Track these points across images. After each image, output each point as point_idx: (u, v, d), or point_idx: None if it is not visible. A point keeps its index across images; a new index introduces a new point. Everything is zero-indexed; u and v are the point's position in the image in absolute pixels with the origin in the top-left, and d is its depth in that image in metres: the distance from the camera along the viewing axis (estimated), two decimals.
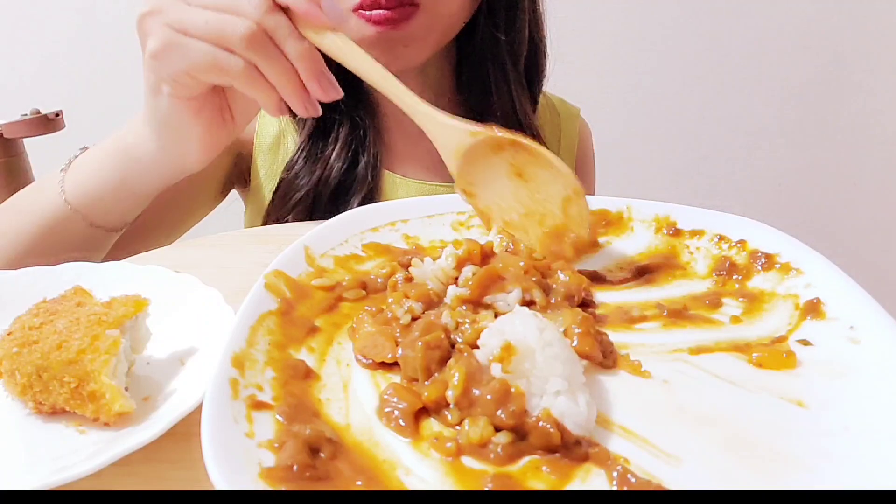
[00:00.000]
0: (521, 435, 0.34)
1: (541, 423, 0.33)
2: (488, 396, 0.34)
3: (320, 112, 0.53)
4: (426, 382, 0.37)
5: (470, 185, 0.52)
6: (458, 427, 0.35)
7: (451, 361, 0.37)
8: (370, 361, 0.40)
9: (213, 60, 0.49)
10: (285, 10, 0.49)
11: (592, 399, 0.35)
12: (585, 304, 0.46)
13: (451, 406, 0.35)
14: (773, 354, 0.40)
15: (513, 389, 0.35)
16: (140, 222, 0.77)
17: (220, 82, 0.52)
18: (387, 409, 0.35)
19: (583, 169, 0.97)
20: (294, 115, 0.53)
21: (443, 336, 0.39)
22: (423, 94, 0.83)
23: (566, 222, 0.50)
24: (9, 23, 1.61)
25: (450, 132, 0.50)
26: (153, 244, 0.73)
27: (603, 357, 0.39)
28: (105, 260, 0.55)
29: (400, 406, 0.35)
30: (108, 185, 0.62)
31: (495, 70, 0.79)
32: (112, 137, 0.63)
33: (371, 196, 0.78)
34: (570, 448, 0.33)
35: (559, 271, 0.46)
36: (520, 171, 0.50)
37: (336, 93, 0.52)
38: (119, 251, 0.67)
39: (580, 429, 0.34)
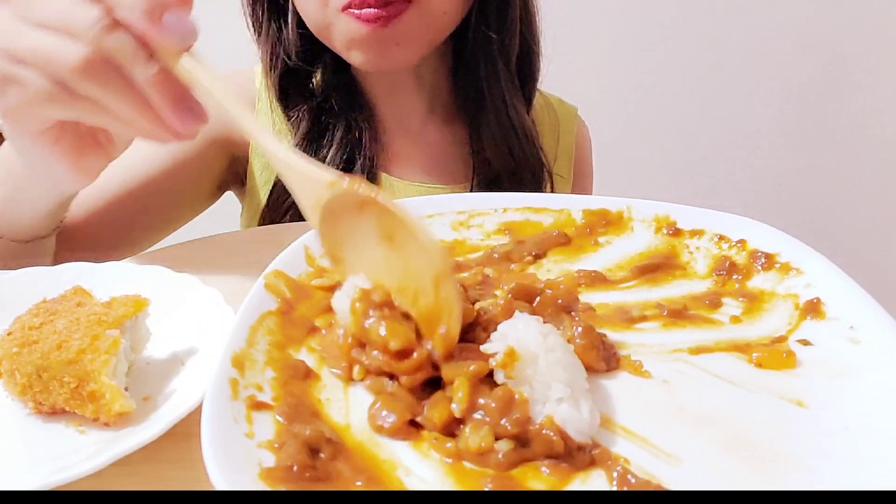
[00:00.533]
0: (523, 442, 0.33)
1: (544, 431, 0.33)
2: (493, 404, 0.34)
3: (192, 138, 0.44)
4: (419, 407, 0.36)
5: (335, 248, 0.42)
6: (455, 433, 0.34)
7: (450, 371, 0.36)
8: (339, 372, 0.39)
9: (48, 95, 0.42)
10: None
11: (595, 405, 0.35)
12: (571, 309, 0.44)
13: (461, 424, 0.34)
14: (773, 354, 0.40)
15: (516, 396, 0.34)
16: (125, 215, 0.76)
17: (64, 118, 0.45)
18: (378, 423, 0.35)
19: (581, 169, 0.97)
20: None
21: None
22: (419, 94, 0.84)
23: (438, 305, 0.38)
24: None
25: (306, 182, 0.41)
26: (139, 239, 0.73)
27: (606, 366, 0.39)
28: (103, 260, 0.54)
29: (389, 420, 0.34)
30: (2, 199, 0.59)
31: (487, 69, 0.79)
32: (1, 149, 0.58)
33: None
34: (573, 455, 0.33)
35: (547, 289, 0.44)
36: (390, 235, 0.40)
37: (198, 122, 0.43)
38: (108, 250, 0.66)
39: (583, 436, 0.33)
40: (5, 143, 0.53)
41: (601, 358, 0.39)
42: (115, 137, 0.51)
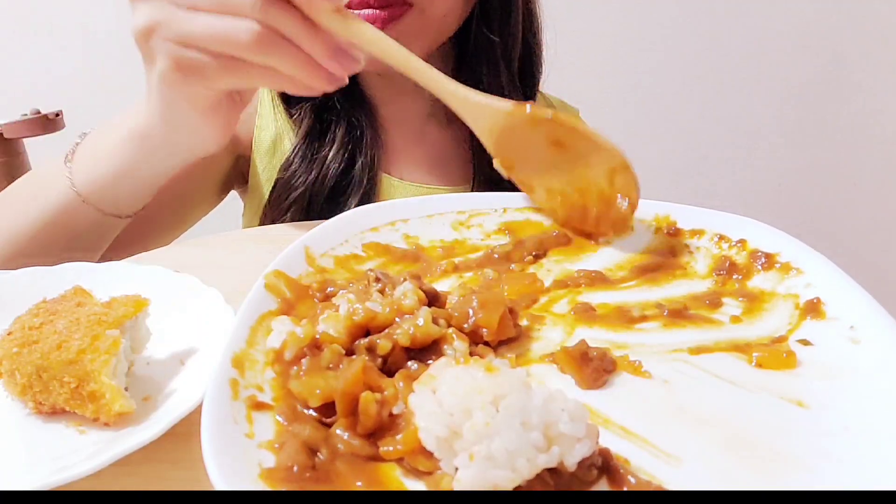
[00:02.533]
0: None
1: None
2: None
3: (346, 82, 0.51)
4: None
5: (507, 159, 0.52)
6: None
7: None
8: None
9: (229, 71, 0.48)
10: None
11: (581, 421, 0.31)
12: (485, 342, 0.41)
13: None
14: (773, 354, 0.40)
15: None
16: (138, 221, 0.78)
17: (236, 87, 0.52)
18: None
19: None
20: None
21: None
22: (420, 95, 0.84)
23: (613, 191, 0.51)
24: (9, 23, 1.61)
25: (482, 111, 0.50)
26: (152, 243, 0.74)
27: (606, 373, 0.39)
28: (104, 260, 0.54)
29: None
30: (122, 170, 0.61)
31: (489, 72, 0.79)
32: (117, 123, 0.61)
33: (368, 198, 0.78)
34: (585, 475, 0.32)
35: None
36: (559, 141, 0.50)
37: (356, 64, 0.50)
38: (119, 251, 0.66)
39: (588, 452, 0.31)
40: (135, 118, 0.57)
41: (590, 378, 0.38)
42: (245, 94, 0.57)
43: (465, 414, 0.30)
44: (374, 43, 0.49)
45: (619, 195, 0.51)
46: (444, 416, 0.30)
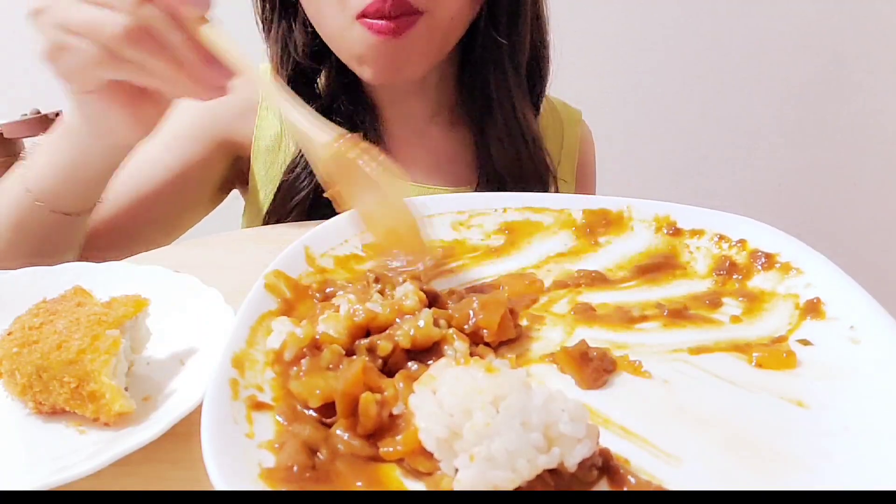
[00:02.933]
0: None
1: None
2: None
3: (226, 91, 0.51)
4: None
5: (336, 192, 0.48)
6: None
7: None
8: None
9: (100, 59, 0.49)
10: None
11: (581, 422, 0.31)
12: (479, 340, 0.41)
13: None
14: (773, 354, 0.40)
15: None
16: (136, 222, 0.78)
17: (112, 78, 0.52)
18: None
19: (583, 174, 0.97)
20: None
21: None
22: (424, 98, 0.84)
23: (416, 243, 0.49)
24: (9, 23, 1.61)
25: (308, 141, 0.48)
26: (151, 244, 0.74)
27: (606, 373, 0.39)
28: (104, 261, 0.55)
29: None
30: (61, 166, 0.63)
31: (496, 75, 0.79)
32: (62, 120, 0.64)
33: None
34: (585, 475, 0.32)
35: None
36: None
37: (227, 76, 0.50)
38: (119, 252, 0.67)
39: (589, 452, 0.31)
40: (66, 112, 0.60)
41: (591, 377, 0.38)
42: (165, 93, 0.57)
43: (465, 414, 0.30)
44: (223, 52, 0.49)
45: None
46: (445, 416, 0.30)
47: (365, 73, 0.72)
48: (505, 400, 0.30)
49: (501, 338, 0.41)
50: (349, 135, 0.47)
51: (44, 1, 0.51)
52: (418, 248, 0.49)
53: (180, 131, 0.80)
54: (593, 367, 0.38)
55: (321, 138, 0.47)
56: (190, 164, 0.80)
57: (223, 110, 0.83)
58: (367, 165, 0.46)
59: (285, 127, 0.51)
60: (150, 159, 0.77)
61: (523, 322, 0.44)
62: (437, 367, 0.34)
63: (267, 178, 0.83)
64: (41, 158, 0.64)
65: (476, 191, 0.83)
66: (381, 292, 0.42)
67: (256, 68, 0.49)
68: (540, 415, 0.30)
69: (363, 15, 0.67)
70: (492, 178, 0.82)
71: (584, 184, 0.97)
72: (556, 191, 0.86)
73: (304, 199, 0.77)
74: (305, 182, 0.77)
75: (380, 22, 0.67)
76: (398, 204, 0.48)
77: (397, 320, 0.39)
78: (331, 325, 0.38)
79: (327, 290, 0.45)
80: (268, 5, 0.80)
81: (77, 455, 0.34)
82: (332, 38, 0.73)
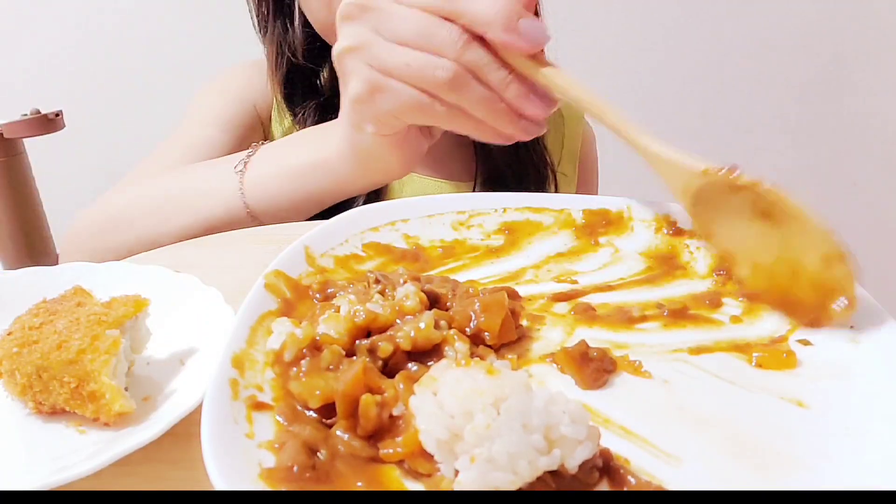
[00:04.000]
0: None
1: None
2: None
3: (543, 131, 0.50)
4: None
5: (706, 225, 0.47)
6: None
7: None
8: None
9: (419, 105, 0.48)
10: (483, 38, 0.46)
11: (582, 423, 0.31)
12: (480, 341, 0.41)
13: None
14: (774, 354, 0.40)
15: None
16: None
17: (424, 123, 0.52)
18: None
19: (584, 173, 0.97)
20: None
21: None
22: None
23: (830, 281, 0.42)
24: (9, 23, 1.61)
25: (674, 169, 0.46)
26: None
27: (606, 373, 0.39)
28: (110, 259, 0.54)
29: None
30: (297, 195, 0.62)
31: None
32: (296, 143, 0.62)
33: (376, 193, 0.78)
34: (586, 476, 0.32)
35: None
36: (766, 212, 0.44)
37: (552, 105, 0.48)
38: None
39: (590, 454, 0.31)
40: (319, 147, 0.60)
41: (591, 377, 0.38)
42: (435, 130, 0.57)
43: (465, 416, 0.30)
44: (565, 90, 0.47)
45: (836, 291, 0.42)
46: (445, 418, 0.30)
47: None
48: (506, 402, 0.30)
49: (503, 340, 0.41)
50: (723, 166, 0.44)
51: (357, 38, 0.49)
52: (827, 284, 0.41)
53: (222, 112, 0.80)
54: (593, 368, 0.38)
55: (694, 165, 0.45)
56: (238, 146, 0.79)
57: (251, 94, 0.83)
58: (770, 191, 0.44)
59: (647, 160, 0.47)
60: (208, 144, 0.77)
61: (523, 322, 0.44)
62: (437, 368, 0.34)
63: None
64: (276, 178, 0.62)
65: (476, 184, 0.83)
66: (382, 293, 0.42)
67: (606, 106, 0.47)
68: (541, 416, 0.30)
69: None
70: (491, 172, 0.83)
71: (586, 182, 0.97)
72: (556, 185, 0.87)
73: None
74: None
75: None
76: (817, 229, 0.42)
77: (398, 321, 0.39)
78: (331, 325, 0.38)
79: (328, 291, 0.45)
80: (263, 5, 0.80)
81: (77, 455, 0.34)
82: (325, 30, 0.73)
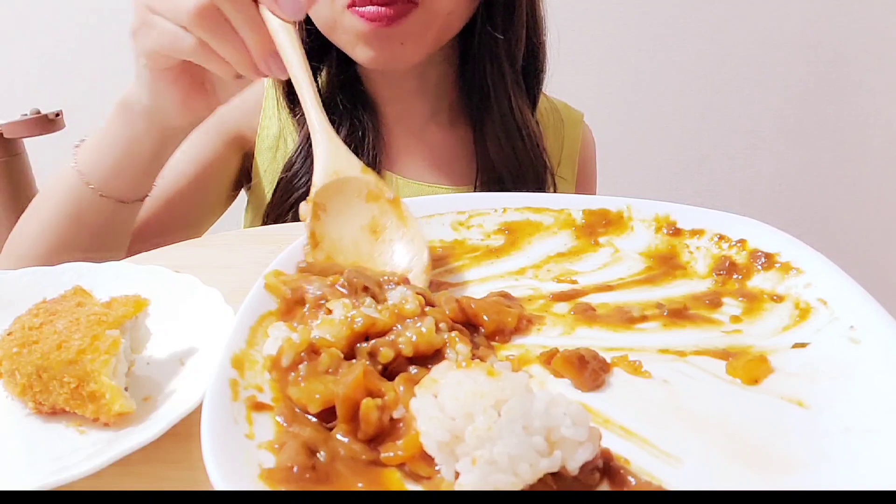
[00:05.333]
0: None
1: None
2: None
3: (283, 76, 0.53)
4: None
5: (322, 207, 0.49)
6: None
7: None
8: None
9: (172, 37, 0.53)
10: None
11: (583, 425, 0.31)
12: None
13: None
14: (750, 364, 0.39)
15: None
16: (163, 225, 0.78)
17: (182, 58, 0.55)
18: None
19: (583, 175, 0.97)
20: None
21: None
22: (423, 96, 0.85)
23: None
24: (9, 23, 1.61)
25: (342, 156, 0.50)
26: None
27: (603, 373, 0.39)
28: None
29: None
30: (113, 146, 0.65)
31: (493, 70, 0.79)
32: (120, 99, 0.66)
33: None
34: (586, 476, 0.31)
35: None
36: (375, 228, 0.49)
37: (282, 74, 0.53)
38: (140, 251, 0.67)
39: (591, 455, 0.31)
40: (127, 90, 0.63)
41: (583, 376, 0.38)
42: (216, 88, 0.62)
43: (466, 418, 0.30)
44: (288, 60, 0.51)
45: None
46: (446, 420, 0.30)
47: (360, 54, 0.73)
48: (507, 404, 0.30)
49: (501, 326, 0.42)
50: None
51: None
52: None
53: (195, 131, 0.80)
54: (591, 369, 0.38)
55: (357, 163, 0.50)
56: (208, 161, 0.82)
57: (232, 107, 0.83)
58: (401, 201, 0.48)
59: (316, 142, 0.51)
60: (171, 163, 0.78)
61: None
62: (438, 370, 0.34)
63: (267, 176, 0.83)
64: (94, 141, 0.66)
65: (475, 188, 0.84)
66: (374, 297, 0.42)
67: (305, 80, 0.51)
68: (542, 418, 0.30)
69: (353, 4, 0.67)
70: (490, 175, 0.83)
71: (585, 185, 0.98)
72: (555, 187, 0.87)
73: (302, 197, 0.77)
74: (303, 180, 0.77)
75: (370, 9, 0.67)
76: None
77: (397, 326, 0.39)
78: (326, 330, 0.38)
79: (308, 294, 0.42)
80: None
81: (77, 455, 0.34)
82: (326, 27, 0.73)
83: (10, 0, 1.59)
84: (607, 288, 0.49)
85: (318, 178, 0.49)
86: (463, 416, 0.30)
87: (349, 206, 0.49)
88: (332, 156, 0.50)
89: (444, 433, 0.30)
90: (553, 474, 0.30)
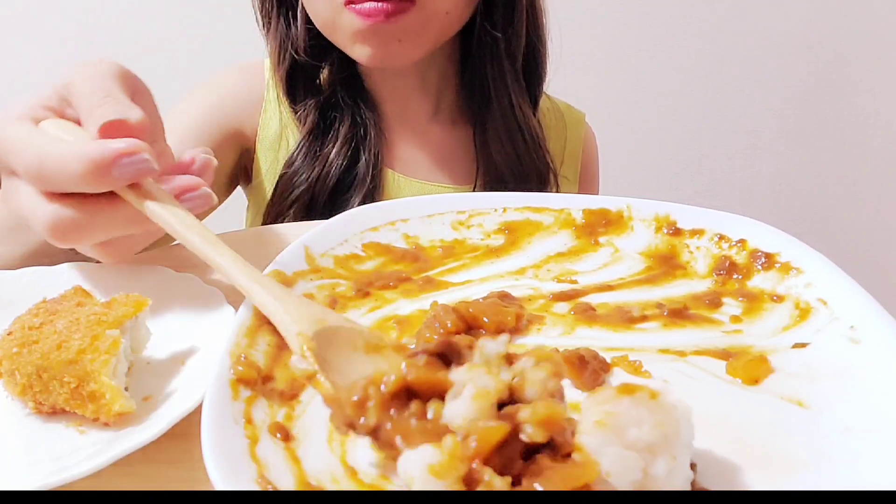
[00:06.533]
0: None
1: None
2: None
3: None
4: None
5: (321, 359, 0.37)
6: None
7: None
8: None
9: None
10: None
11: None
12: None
13: None
14: (750, 364, 0.39)
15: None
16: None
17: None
18: None
19: (586, 176, 0.97)
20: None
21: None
22: (424, 95, 0.85)
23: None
24: (9, 23, 1.61)
25: (313, 305, 0.42)
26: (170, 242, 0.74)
27: (603, 372, 0.39)
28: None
29: None
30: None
31: (493, 69, 0.79)
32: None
33: (372, 195, 0.78)
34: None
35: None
36: (375, 347, 0.40)
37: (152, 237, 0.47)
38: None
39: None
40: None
41: (584, 376, 0.38)
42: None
43: (650, 452, 0.28)
44: (163, 222, 0.43)
45: None
46: (634, 458, 0.28)
47: (359, 52, 0.73)
48: (678, 440, 0.29)
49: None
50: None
51: None
52: None
53: (192, 124, 0.80)
54: (591, 369, 0.38)
55: (293, 329, 0.38)
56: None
57: (231, 101, 0.83)
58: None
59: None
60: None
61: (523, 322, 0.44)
62: (599, 397, 0.30)
63: (269, 174, 0.83)
64: None
65: (476, 188, 0.84)
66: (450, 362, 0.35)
67: (194, 238, 0.43)
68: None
69: (350, 1, 0.68)
70: (492, 175, 0.83)
71: (587, 185, 0.98)
72: (558, 188, 0.87)
73: (302, 194, 0.77)
74: (303, 177, 0.77)
75: (367, 5, 0.67)
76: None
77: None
78: (460, 410, 0.31)
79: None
80: (267, 2, 0.80)
81: (77, 455, 0.34)
82: (325, 26, 0.74)
83: (10, 1, 1.59)
84: (607, 288, 0.49)
85: (304, 327, 0.38)
86: (646, 451, 0.29)
87: (350, 362, 0.38)
88: (300, 305, 0.40)
89: (636, 472, 0.28)
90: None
